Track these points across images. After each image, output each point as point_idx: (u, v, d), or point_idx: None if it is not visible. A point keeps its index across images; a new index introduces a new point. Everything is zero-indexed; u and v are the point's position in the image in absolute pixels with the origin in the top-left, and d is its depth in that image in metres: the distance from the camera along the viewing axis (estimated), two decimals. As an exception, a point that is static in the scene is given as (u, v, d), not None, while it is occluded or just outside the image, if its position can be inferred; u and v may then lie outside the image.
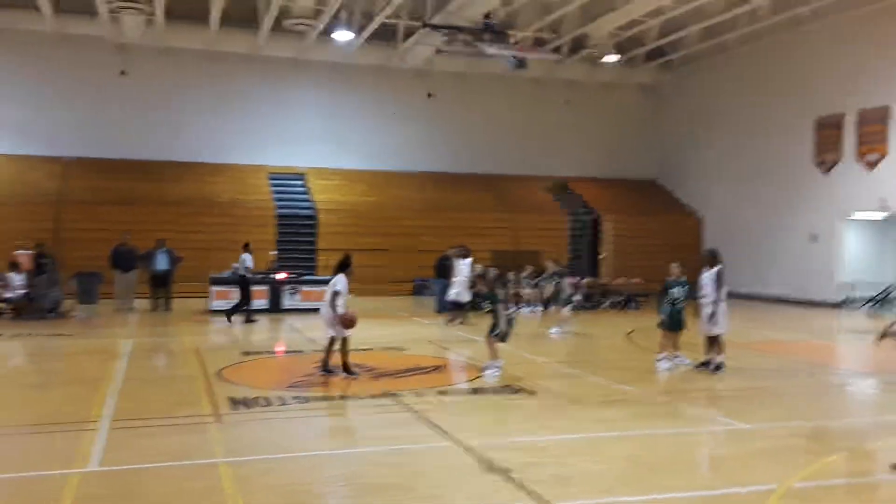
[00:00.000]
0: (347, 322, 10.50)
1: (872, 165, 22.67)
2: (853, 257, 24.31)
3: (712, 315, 11.32)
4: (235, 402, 9.00)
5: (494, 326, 11.07)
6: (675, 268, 11.87)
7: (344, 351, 10.69)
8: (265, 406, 8.92)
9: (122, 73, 26.36)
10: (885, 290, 23.10)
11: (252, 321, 17.48)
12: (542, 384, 10.48)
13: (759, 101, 26.75)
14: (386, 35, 26.29)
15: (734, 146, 27.89)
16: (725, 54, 27.73)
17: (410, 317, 19.20)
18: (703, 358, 11.66)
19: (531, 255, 25.25)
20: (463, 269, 17.02)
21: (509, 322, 11.11)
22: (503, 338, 11.11)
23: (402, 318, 19.17)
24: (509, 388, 10.16)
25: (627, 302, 23.09)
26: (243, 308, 17.58)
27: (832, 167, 24.06)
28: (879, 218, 23.87)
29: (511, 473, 6.37)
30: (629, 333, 16.31)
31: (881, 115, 22.26)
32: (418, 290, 25.49)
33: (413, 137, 29.15)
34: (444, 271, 20.48)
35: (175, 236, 21.35)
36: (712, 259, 11.64)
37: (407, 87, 29.04)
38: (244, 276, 17.59)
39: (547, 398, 9.68)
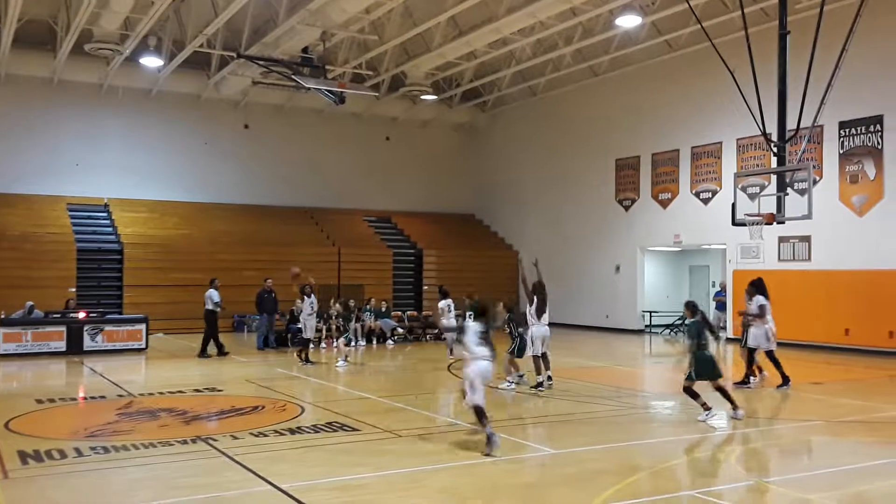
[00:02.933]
0: None
1: (666, 204, 24.75)
2: (652, 287, 26.35)
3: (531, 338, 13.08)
4: (25, 457, 8.18)
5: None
6: (500, 307, 13.66)
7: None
8: (60, 459, 8.16)
9: None
10: (680, 317, 25.18)
11: (225, 353, 18.06)
12: (365, 420, 10.38)
13: (566, 141, 28.51)
14: (199, 63, 25.46)
15: (545, 183, 29.46)
16: (535, 98, 29.35)
17: (228, 355, 18.42)
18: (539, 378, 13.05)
19: (355, 289, 25.20)
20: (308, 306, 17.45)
21: None
22: None
23: (218, 358, 18.34)
24: (331, 425, 9.98)
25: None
26: (211, 342, 18.24)
27: (631, 205, 26.02)
28: (674, 250, 26.08)
29: (329, 515, 6.22)
30: (450, 366, 16.58)
31: (672, 158, 24.42)
32: (238, 326, 24.63)
33: (229, 169, 28.29)
34: (266, 305, 20.00)
35: (-43, 274, 19.25)
36: (535, 290, 13.39)
37: (222, 117, 28.22)
38: (212, 310, 18.24)
39: (369, 434, 9.58)
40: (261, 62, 21.49)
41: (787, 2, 15.07)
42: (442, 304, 18.35)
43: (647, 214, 25.40)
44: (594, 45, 24.11)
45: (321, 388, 13.94)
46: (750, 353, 13.69)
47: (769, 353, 13.61)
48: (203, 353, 18.02)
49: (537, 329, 13.07)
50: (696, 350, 10.25)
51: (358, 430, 9.81)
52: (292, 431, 9.61)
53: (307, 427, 9.85)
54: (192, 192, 27.69)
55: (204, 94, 27.32)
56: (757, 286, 13.83)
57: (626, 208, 26.23)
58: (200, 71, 26.08)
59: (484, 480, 7.55)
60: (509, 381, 13.21)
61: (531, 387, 13.02)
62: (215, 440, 8.98)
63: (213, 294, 18.32)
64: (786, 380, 13.32)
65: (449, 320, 16.93)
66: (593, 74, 26.58)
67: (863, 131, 19.24)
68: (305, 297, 17.43)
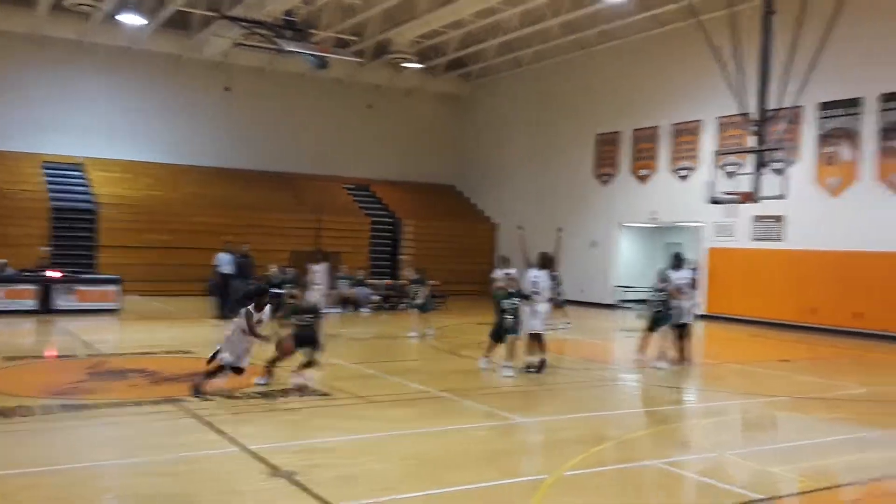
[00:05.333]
0: None
1: (644, 179, 24.85)
2: (626, 262, 26.52)
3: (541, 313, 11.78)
4: (-8, 413, 8.15)
5: None
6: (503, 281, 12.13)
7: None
8: (26, 416, 8.14)
9: None
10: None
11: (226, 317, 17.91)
12: (336, 385, 10.43)
13: (549, 114, 28.45)
14: (181, 23, 25.04)
15: (526, 156, 29.44)
16: (521, 69, 29.21)
17: (201, 318, 18.38)
18: (530, 359, 11.79)
19: (333, 256, 25.14)
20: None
21: None
22: None
23: (191, 320, 18.31)
24: (301, 390, 10.01)
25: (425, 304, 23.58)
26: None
27: (610, 180, 26.10)
28: (650, 227, 26.25)
29: (296, 476, 6.27)
30: (423, 335, 16.65)
31: (652, 135, 24.48)
32: (213, 290, 24.50)
33: (208, 132, 27.97)
34: (242, 270, 19.90)
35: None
36: (547, 261, 12.09)
37: (202, 78, 27.82)
38: (225, 273, 18.68)
39: (339, 399, 9.64)
40: (243, 23, 21.17)
41: (773, -19, 15.07)
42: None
43: (626, 190, 25.49)
44: (582, 17, 23.97)
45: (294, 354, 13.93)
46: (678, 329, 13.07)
47: (685, 327, 13.12)
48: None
49: (545, 305, 11.94)
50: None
51: (329, 394, 9.87)
52: (263, 395, 9.64)
53: (278, 391, 9.87)
54: (169, 153, 27.36)
55: (185, 55, 26.89)
56: (681, 258, 13.60)
57: (605, 183, 26.30)
58: (182, 31, 25.67)
59: (452, 447, 7.64)
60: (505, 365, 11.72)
61: (523, 369, 11.71)
62: (185, 401, 8.99)
63: (222, 257, 18.99)
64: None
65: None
66: (580, 48, 26.45)
67: (841, 113, 19.37)
68: (316, 264, 17.13)
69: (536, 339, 11.92)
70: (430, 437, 7.92)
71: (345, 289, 22.61)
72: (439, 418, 8.78)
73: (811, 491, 6.76)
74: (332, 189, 29.79)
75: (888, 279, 18.02)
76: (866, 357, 15.81)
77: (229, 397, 9.41)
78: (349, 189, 30.43)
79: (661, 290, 13.06)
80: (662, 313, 12.90)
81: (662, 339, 12.98)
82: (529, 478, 6.53)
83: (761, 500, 6.30)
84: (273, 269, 21.39)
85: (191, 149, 27.62)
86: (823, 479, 7.24)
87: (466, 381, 11.39)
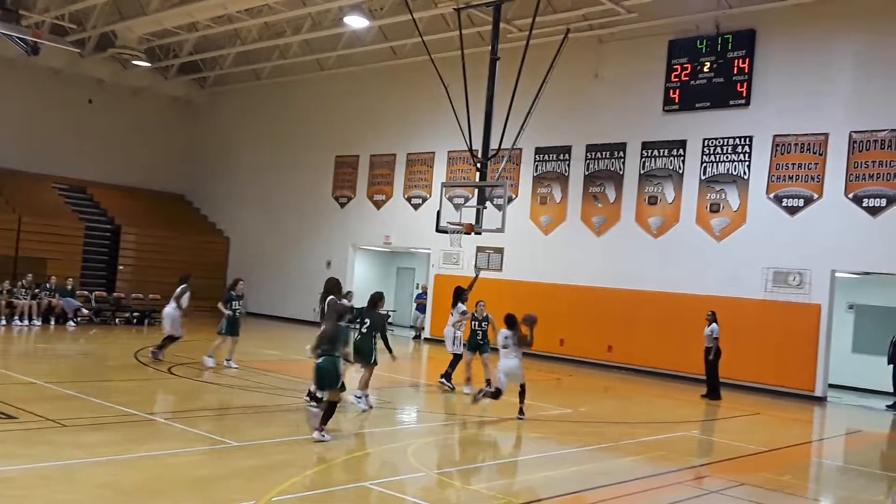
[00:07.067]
0: None
1: (380, 205, 25.43)
2: (361, 284, 26.85)
3: None
4: None
5: None
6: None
7: None
8: None
9: None
10: (385, 314, 26.11)
11: None
12: (25, 407, 9.27)
13: (288, 131, 28.11)
14: None
15: (263, 172, 28.79)
16: (260, 82, 28.56)
17: None
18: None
19: (36, 262, 22.60)
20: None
21: None
22: None
23: None
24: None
25: (142, 318, 22.07)
26: None
27: (347, 202, 26.37)
28: (384, 251, 26.89)
29: (-42, 515, 5.42)
30: (138, 352, 15.47)
31: (388, 161, 25.16)
32: None
33: None
34: None
35: None
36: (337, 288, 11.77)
37: None
38: None
39: (26, 423, 8.56)
40: (-63, -7, 18.46)
41: (500, 30, 16.21)
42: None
43: (362, 214, 25.88)
44: (322, 39, 24.06)
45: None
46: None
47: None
48: None
49: None
50: None
51: (15, 417, 8.74)
52: (-71, 419, 8.29)
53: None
54: None
55: None
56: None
57: (342, 205, 26.51)
58: None
59: (154, 474, 7.08)
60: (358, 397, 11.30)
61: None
62: None
63: None
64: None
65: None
66: (320, 68, 26.49)
67: (554, 158, 21.37)
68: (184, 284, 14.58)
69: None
70: (129, 464, 7.26)
71: (49, 299, 20.45)
72: (144, 443, 8.11)
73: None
74: (41, 188, 26.76)
75: (586, 310, 20.06)
76: (567, 381, 17.40)
77: None
78: (61, 190, 27.55)
79: (482, 321, 14.08)
80: (483, 342, 13.95)
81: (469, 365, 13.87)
82: (236, 505, 6.23)
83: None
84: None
85: None
86: (526, 494, 7.74)
87: (182, 403, 10.72)
